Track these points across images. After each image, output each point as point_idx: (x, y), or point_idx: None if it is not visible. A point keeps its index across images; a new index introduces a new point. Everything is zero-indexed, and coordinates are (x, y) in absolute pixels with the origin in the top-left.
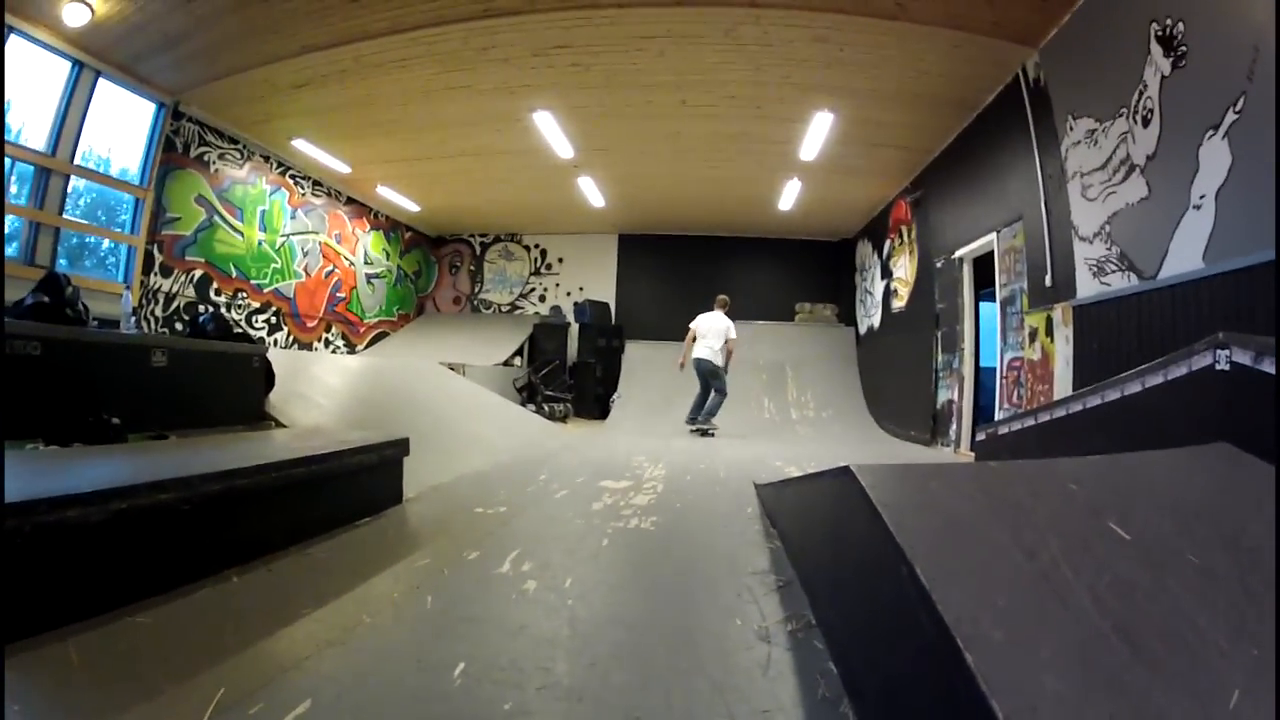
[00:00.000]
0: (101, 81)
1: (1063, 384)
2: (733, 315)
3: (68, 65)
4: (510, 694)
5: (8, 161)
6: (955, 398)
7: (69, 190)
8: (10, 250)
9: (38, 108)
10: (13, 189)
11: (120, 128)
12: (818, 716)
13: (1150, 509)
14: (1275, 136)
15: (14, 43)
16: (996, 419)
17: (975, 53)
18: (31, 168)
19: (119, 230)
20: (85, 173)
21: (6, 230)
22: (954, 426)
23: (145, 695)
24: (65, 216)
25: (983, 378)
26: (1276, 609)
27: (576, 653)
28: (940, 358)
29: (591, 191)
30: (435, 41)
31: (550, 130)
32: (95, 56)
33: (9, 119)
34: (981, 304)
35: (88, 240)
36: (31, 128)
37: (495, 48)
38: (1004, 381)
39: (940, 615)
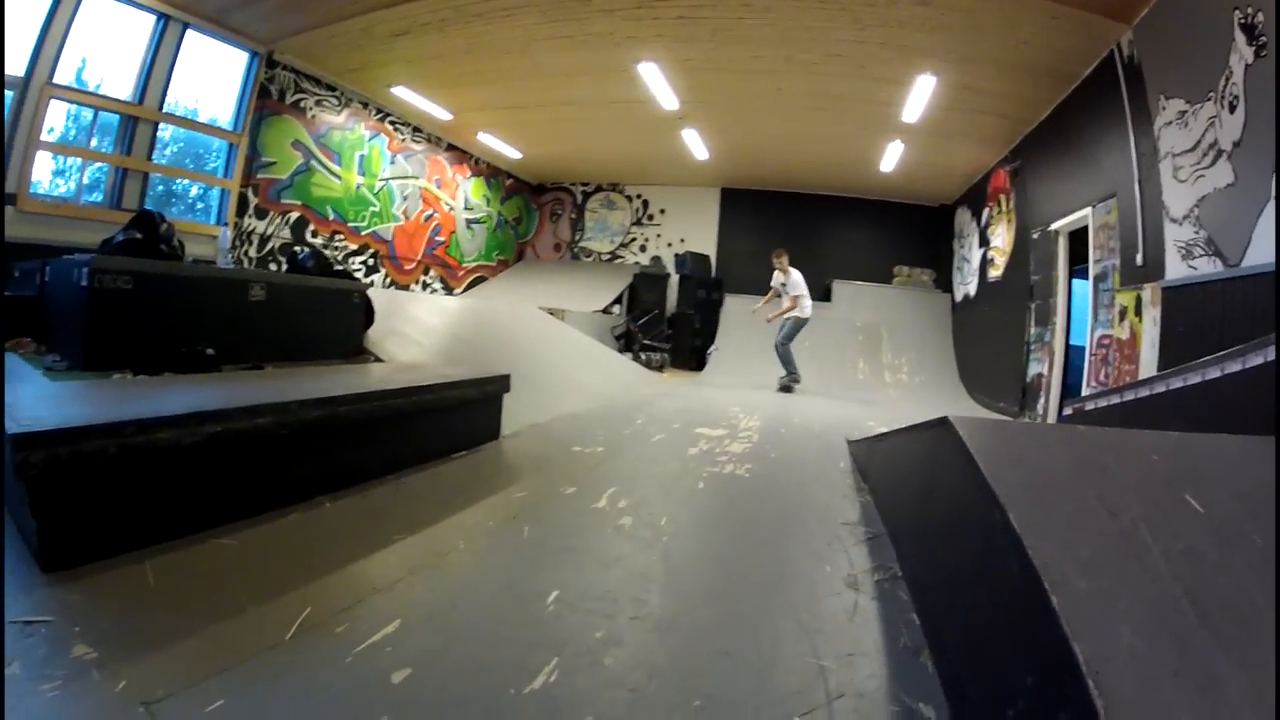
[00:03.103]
0: (190, 33)
1: (1148, 365)
2: (831, 274)
3: (152, 18)
4: (602, 623)
5: (90, 111)
6: (1045, 371)
7: (156, 139)
8: (95, 196)
9: (121, 59)
10: (93, 141)
11: (211, 76)
12: (899, 664)
13: (1222, 488)
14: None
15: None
16: (1083, 395)
17: (1072, 25)
18: (117, 117)
19: (211, 175)
20: (175, 119)
21: (88, 179)
22: (1042, 400)
23: (224, 615)
24: (153, 162)
25: (1071, 355)
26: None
27: (669, 587)
28: (1033, 330)
29: (695, 144)
30: None
31: (655, 81)
32: (182, 9)
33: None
34: (1075, 281)
35: (175, 188)
36: (116, 79)
37: None
38: (1092, 359)
39: (1030, 560)
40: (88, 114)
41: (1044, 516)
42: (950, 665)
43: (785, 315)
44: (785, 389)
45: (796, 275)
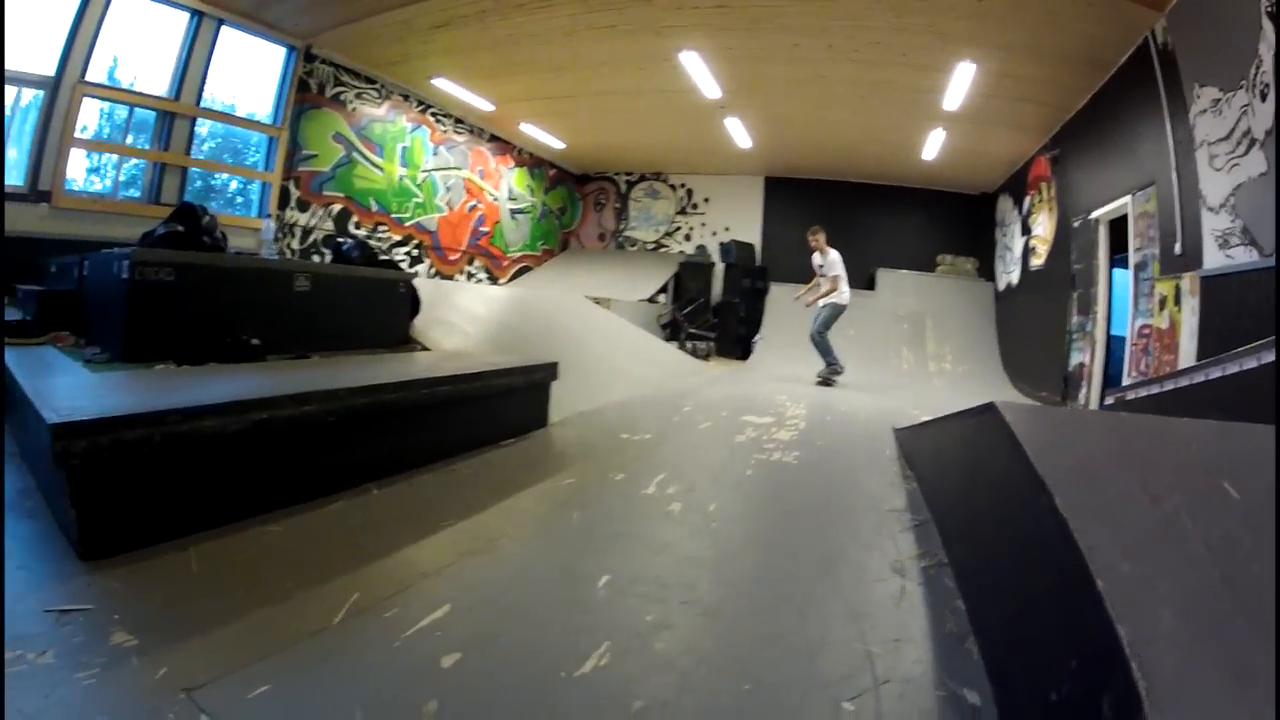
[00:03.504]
0: (225, 29)
1: (1187, 355)
2: (875, 263)
3: (186, 15)
4: (653, 607)
5: (124, 109)
6: (1087, 361)
7: (194, 135)
8: (132, 192)
9: (156, 56)
10: (129, 138)
11: (249, 71)
12: (945, 649)
13: (1259, 476)
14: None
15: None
16: (1124, 385)
17: (1106, 12)
18: (153, 114)
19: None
20: (213, 114)
21: (124, 176)
22: (1084, 390)
23: (269, 601)
24: (193, 157)
25: (1112, 344)
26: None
27: (719, 572)
28: (1074, 319)
29: (739, 133)
30: None
31: (697, 70)
32: (215, 5)
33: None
34: (1116, 270)
35: (214, 182)
36: (151, 76)
37: None
38: (1133, 349)
39: (1076, 543)
40: (122, 112)
41: (1088, 501)
42: (994, 651)
43: (824, 300)
44: (825, 382)
45: (835, 255)
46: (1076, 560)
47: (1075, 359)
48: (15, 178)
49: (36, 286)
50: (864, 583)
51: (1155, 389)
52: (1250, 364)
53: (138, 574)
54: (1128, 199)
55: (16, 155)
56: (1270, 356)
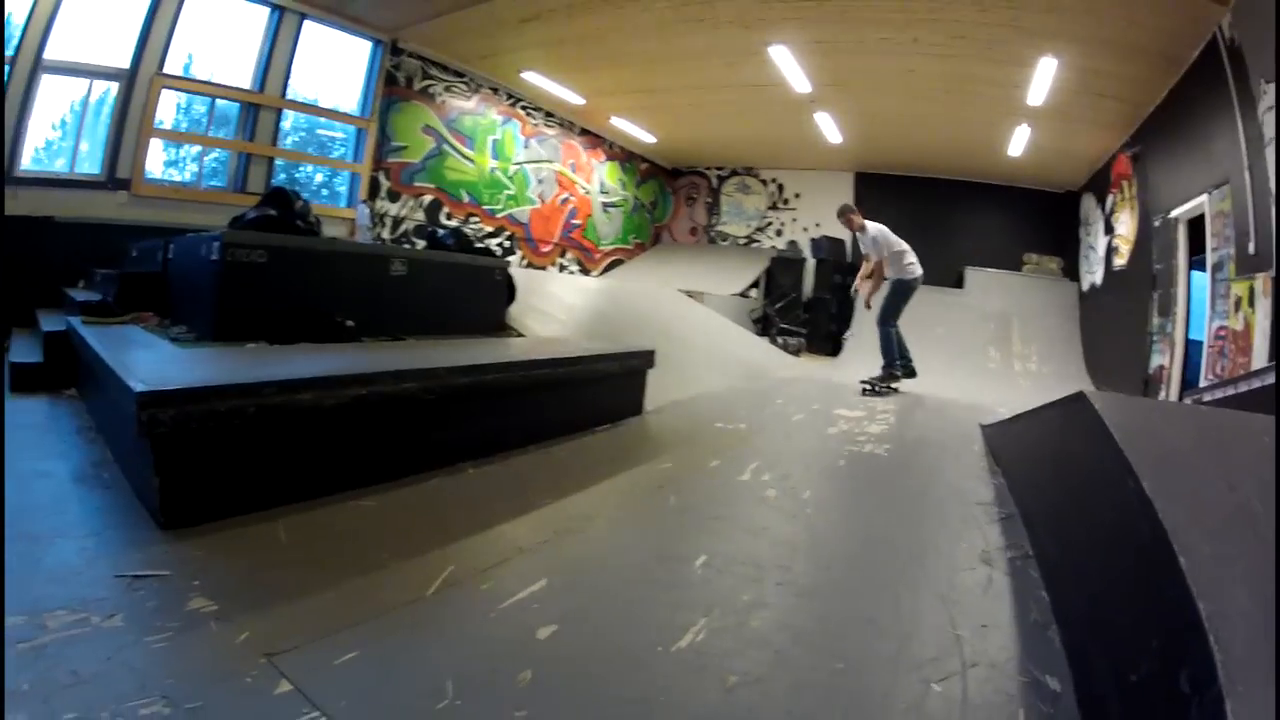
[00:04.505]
0: (307, 23)
1: (1260, 357)
2: (964, 260)
3: (266, 10)
4: (749, 587)
5: (202, 103)
6: (1166, 364)
7: (279, 127)
8: (217, 181)
9: (236, 51)
10: (210, 130)
11: (336, 64)
12: (1028, 636)
13: None
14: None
15: None
16: (1200, 387)
17: (1175, 5)
18: (235, 107)
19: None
20: (299, 105)
21: (206, 167)
22: (1162, 393)
23: (361, 571)
24: (280, 148)
25: (1190, 347)
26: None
27: (813, 556)
28: (1155, 321)
29: (829, 127)
30: None
31: (786, 64)
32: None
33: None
34: (1194, 272)
35: (297, 175)
36: (231, 71)
37: None
38: (1209, 351)
39: (1161, 523)
40: (200, 107)
41: (1171, 486)
42: (1075, 637)
43: (874, 288)
44: (875, 389)
45: (875, 229)
46: (1161, 540)
47: (1155, 361)
48: (91, 166)
49: (113, 270)
50: (953, 571)
51: (1230, 390)
52: None
53: (221, 543)
54: (1204, 198)
55: (89, 146)
56: None
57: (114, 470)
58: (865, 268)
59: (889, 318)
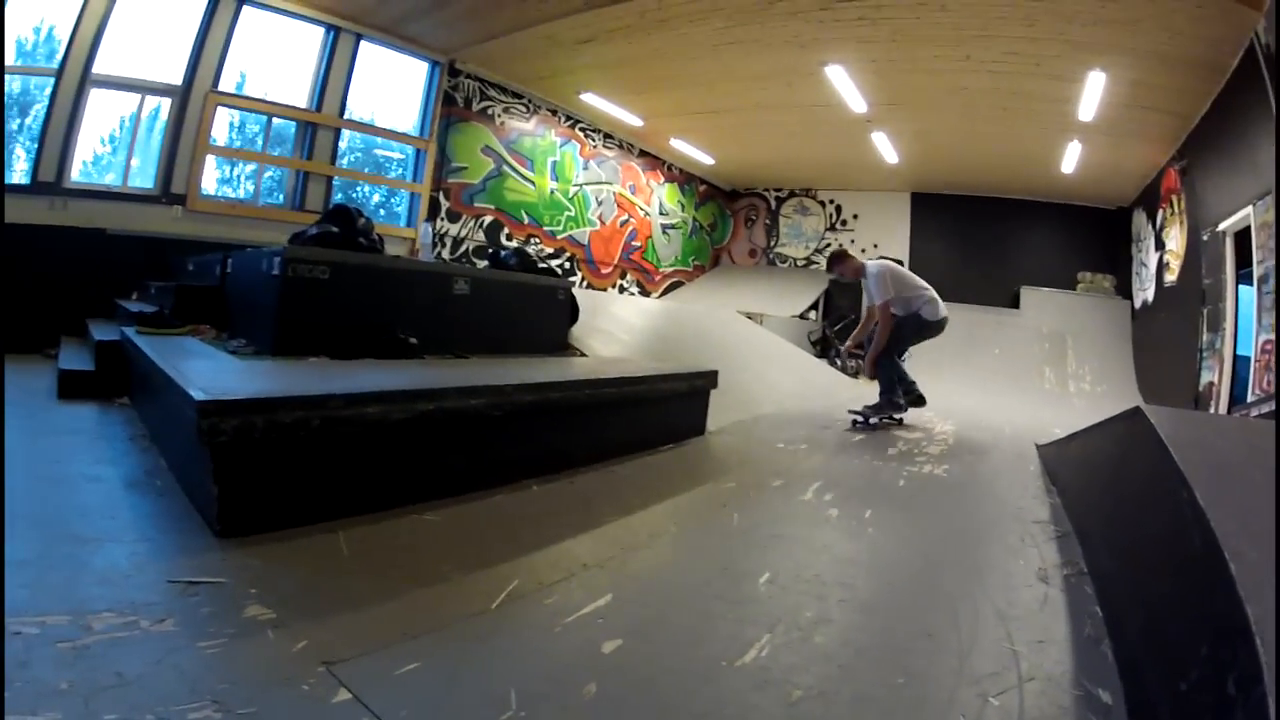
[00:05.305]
0: (364, 44)
1: None
2: (1019, 280)
3: (321, 30)
4: (813, 603)
5: (256, 121)
6: (1215, 380)
7: (337, 147)
8: (276, 199)
9: (292, 71)
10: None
11: (394, 85)
12: (1083, 650)
13: None
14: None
15: (256, 15)
16: (1248, 402)
17: (1215, 13)
18: (292, 126)
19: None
20: (357, 125)
21: (263, 184)
22: (1212, 409)
23: (424, 584)
24: (338, 167)
25: (1238, 363)
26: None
27: (875, 573)
28: (1205, 337)
29: (885, 147)
30: None
31: (843, 84)
32: (352, 20)
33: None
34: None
35: (354, 194)
36: (286, 89)
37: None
38: (1257, 365)
39: (1213, 531)
40: (254, 125)
41: (1223, 495)
42: (1127, 652)
43: (882, 346)
44: (867, 421)
45: (877, 268)
46: (1212, 549)
47: (1205, 377)
48: (145, 181)
49: (169, 282)
50: (1011, 588)
51: (1273, 405)
52: None
53: (280, 553)
54: (1249, 209)
55: (139, 162)
56: None
57: (168, 478)
58: (858, 331)
59: (890, 349)
